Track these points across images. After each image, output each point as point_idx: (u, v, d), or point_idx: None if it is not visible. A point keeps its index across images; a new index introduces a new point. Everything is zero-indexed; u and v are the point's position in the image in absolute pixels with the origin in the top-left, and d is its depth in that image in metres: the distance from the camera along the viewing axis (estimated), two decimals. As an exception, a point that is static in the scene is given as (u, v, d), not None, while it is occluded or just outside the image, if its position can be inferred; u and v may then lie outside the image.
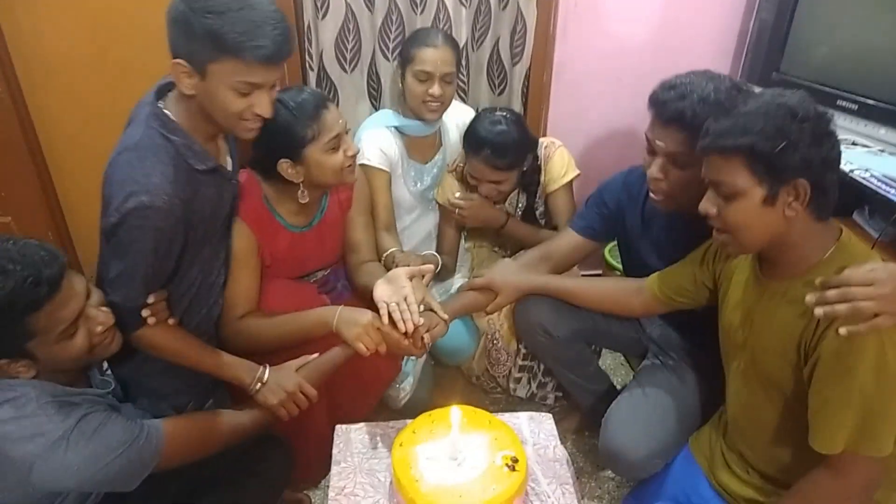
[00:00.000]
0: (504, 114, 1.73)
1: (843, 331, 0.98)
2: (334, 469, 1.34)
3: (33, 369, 1.04)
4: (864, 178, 1.55)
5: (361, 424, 1.45)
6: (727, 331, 1.29)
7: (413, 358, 1.80)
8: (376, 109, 2.08)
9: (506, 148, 1.69)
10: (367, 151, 1.77)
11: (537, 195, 1.87)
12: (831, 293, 1.00)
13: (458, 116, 1.93)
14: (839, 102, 1.76)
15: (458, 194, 1.82)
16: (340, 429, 1.44)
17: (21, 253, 1.00)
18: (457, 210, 1.81)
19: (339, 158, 1.49)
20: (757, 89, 1.23)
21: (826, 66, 1.86)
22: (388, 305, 1.38)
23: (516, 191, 1.85)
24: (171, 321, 1.33)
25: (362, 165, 1.75)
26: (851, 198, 1.64)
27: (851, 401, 1.02)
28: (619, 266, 1.85)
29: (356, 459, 1.37)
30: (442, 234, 1.92)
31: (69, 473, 1.00)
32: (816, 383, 1.07)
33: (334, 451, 1.39)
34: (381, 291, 1.40)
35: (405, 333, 1.38)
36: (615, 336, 1.70)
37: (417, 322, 1.37)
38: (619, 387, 1.84)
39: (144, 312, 1.26)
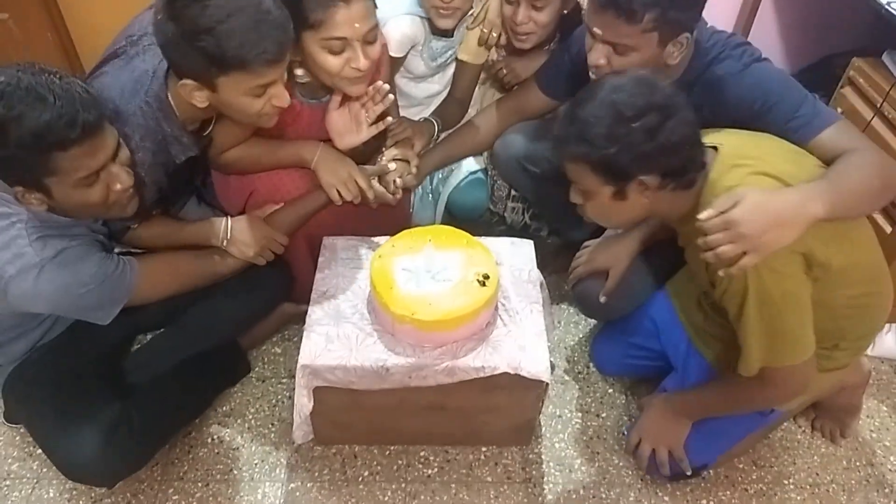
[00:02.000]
0: None
1: (721, 272, 1.02)
2: (318, 275, 1.41)
3: (45, 205, 1.04)
4: (898, 11, 1.41)
5: (347, 238, 1.50)
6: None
7: (437, 205, 1.83)
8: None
9: None
10: (390, 42, 1.55)
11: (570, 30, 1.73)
12: (699, 242, 1.02)
13: None
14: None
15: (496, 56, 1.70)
16: (327, 240, 1.50)
17: (64, 89, 0.96)
18: (503, 70, 1.68)
19: (336, 64, 1.26)
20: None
21: None
22: (336, 191, 1.41)
23: (547, 48, 1.68)
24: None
25: None
26: (884, 35, 1.51)
27: (754, 331, 1.07)
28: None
29: (340, 268, 1.43)
30: (458, 82, 1.77)
31: (40, 299, 1.06)
32: (730, 318, 1.12)
33: (320, 259, 1.45)
34: (327, 178, 1.43)
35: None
36: None
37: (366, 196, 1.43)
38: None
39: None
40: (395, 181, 1.50)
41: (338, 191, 1.42)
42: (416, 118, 1.74)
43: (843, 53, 1.89)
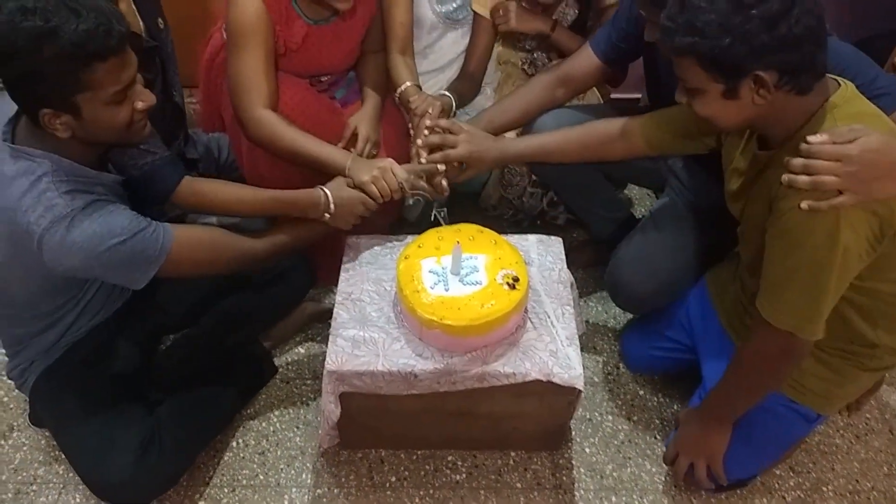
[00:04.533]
0: None
1: (803, 204, 0.94)
2: (343, 276, 1.38)
3: (70, 130, 1.03)
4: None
5: (372, 237, 1.47)
6: (728, 196, 1.23)
7: None
8: None
9: None
10: None
11: (589, 8, 1.68)
12: (796, 162, 0.95)
13: None
14: None
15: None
16: (351, 240, 1.46)
17: (94, 4, 0.97)
18: (500, 11, 1.65)
19: None
20: None
21: None
22: (373, 186, 1.33)
23: (563, 2, 1.67)
24: None
25: None
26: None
27: (797, 276, 1.00)
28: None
29: (364, 269, 1.40)
30: (472, 48, 1.75)
31: (73, 251, 1.02)
32: (769, 250, 1.05)
33: (344, 259, 1.42)
34: (361, 173, 1.34)
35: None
36: (628, 163, 1.61)
37: (404, 190, 1.35)
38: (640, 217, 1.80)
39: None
40: (442, 182, 1.40)
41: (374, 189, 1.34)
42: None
43: (886, 34, 1.82)
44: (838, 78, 1.02)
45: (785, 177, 0.96)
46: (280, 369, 1.59)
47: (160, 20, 1.42)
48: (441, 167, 1.38)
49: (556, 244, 1.46)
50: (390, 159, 1.38)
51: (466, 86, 1.72)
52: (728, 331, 1.34)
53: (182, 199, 1.28)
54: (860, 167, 0.90)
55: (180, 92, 1.51)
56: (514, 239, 1.41)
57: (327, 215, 1.32)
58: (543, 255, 1.43)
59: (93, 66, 0.97)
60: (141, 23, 1.34)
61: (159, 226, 1.12)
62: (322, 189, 1.32)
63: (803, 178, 0.94)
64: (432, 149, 1.39)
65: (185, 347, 1.47)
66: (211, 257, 1.21)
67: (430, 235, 1.34)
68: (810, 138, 0.94)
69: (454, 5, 1.67)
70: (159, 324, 1.41)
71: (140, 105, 1.07)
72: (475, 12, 1.71)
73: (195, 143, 1.58)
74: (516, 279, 1.23)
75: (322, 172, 1.39)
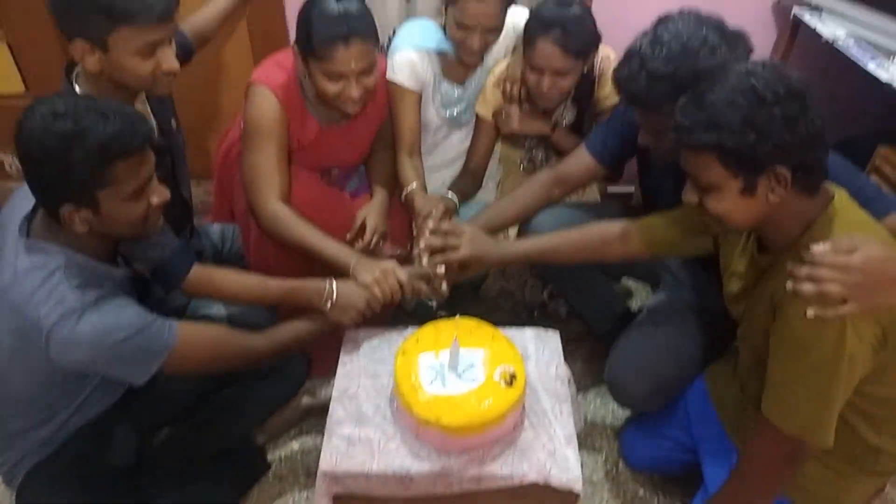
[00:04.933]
0: None
1: (809, 312, 0.96)
2: (340, 370, 1.38)
3: (87, 225, 1.06)
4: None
5: (370, 329, 1.47)
6: (727, 298, 1.26)
7: None
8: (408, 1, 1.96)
9: (578, 27, 1.51)
10: (397, 68, 1.65)
11: (586, 110, 1.77)
12: (802, 270, 0.96)
13: (510, 19, 1.70)
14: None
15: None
16: (349, 332, 1.47)
17: (119, 108, 1.05)
18: (503, 114, 1.73)
19: (334, 90, 1.42)
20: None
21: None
22: (376, 287, 1.37)
23: (563, 105, 1.75)
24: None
25: (390, 83, 1.67)
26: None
27: (804, 382, 1.01)
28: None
29: (362, 362, 1.40)
30: (475, 147, 1.83)
31: (81, 345, 1.04)
32: (774, 355, 1.06)
33: (342, 353, 1.42)
34: (364, 274, 1.39)
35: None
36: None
37: (405, 291, 1.39)
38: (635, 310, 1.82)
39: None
40: (442, 285, 1.43)
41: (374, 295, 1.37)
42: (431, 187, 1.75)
43: (863, 138, 1.89)
44: (833, 184, 1.07)
45: (789, 284, 0.98)
46: (273, 465, 1.56)
47: (173, 121, 1.49)
48: (441, 270, 1.41)
49: (553, 339, 1.47)
50: (393, 261, 1.42)
51: (468, 183, 1.79)
52: (728, 431, 1.32)
53: (192, 287, 1.31)
54: (863, 278, 0.92)
55: (188, 188, 1.57)
56: (512, 332, 1.41)
57: (329, 304, 1.33)
58: (541, 349, 1.43)
59: (115, 164, 1.02)
60: (153, 122, 1.41)
61: (164, 322, 1.14)
62: (329, 279, 1.35)
63: (808, 287, 0.95)
64: (434, 251, 1.43)
65: (179, 441, 1.44)
66: (213, 355, 1.22)
67: (429, 329, 1.35)
68: (813, 248, 0.96)
69: (458, 110, 1.76)
70: (158, 417, 1.40)
71: (155, 200, 1.12)
72: (478, 114, 1.79)
73: (200, 235, 1.63)
74: (514, 376, 1.23)
75: (327, 268, 1.41)
